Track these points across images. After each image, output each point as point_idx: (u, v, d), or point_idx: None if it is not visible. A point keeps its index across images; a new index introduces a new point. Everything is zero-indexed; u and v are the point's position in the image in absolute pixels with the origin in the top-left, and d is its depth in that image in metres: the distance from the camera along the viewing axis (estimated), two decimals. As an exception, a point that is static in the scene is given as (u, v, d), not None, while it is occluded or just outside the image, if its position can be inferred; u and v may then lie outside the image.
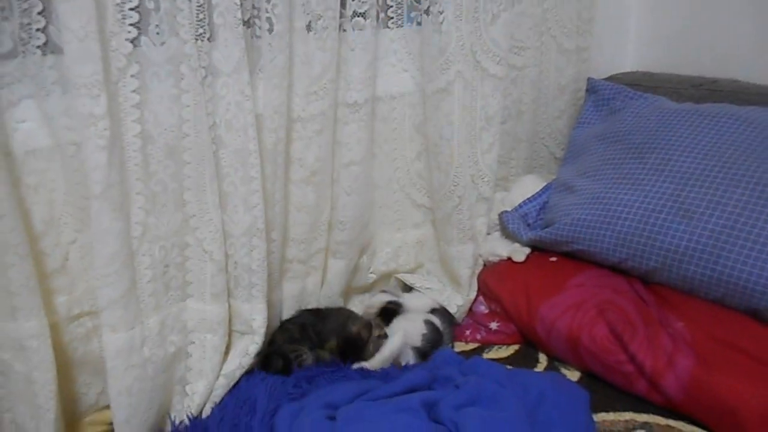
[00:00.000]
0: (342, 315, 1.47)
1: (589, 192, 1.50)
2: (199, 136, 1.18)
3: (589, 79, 1.82)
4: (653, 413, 1.18)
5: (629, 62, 1.99)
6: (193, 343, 1.28)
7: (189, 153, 1.19)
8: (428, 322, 1.47)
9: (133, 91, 1.09)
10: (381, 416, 1.09)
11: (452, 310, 1.57)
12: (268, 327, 1.35)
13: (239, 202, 1.24)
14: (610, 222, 1.41)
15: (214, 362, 1.28)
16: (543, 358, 1.42)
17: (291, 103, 1.32)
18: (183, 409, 1.26)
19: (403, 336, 1.41)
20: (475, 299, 1.62)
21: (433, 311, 1.55)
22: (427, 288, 1.65)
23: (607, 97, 1.73)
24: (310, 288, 1.52)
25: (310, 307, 1.53)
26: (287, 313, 1.50)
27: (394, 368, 1.36)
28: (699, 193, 1.31)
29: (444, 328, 1.50)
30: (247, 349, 1.30)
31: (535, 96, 1.81)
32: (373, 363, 1.36)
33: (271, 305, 1.40)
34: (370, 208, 1.59)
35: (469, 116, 1.56)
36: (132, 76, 1.09)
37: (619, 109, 1.67)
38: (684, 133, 1.44)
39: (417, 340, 1.43)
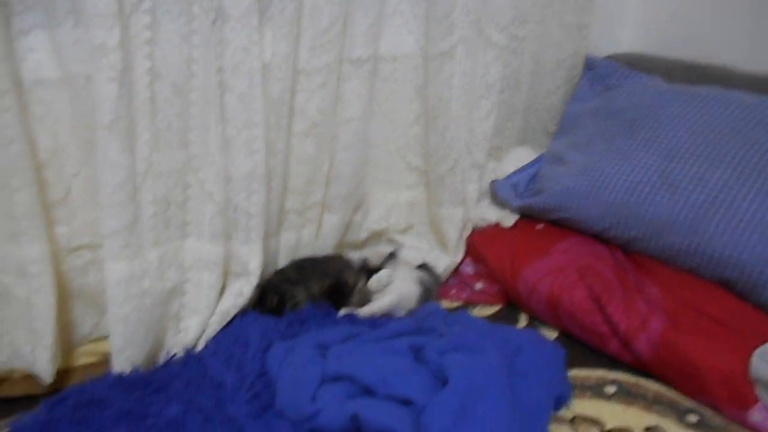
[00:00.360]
0: (339, 261, 1.51)
1: (579, 163, 1.55)
2: (207, 78, 1.21)
3: (587, 56, 1.85)
4: (624, 371, 1.24)
5: (626, 43, 2.03)
6: (190, 280, 1.32)
7: (196, 93, 1.22)
8: (421, 283, 1.51)
9: (145, 26, 1.12)
10: (371, 355, 1.15)
11: (439, 270, 1.62)
12: (263, 272, 1.40)
13: (241, 146, 1.28)
14: (597, 192, 1.46)
15: (210, 300, 1.32)
16: (523, 318, 1.47)
17: (297, 56, 1.35)
18: (176, 344, 1.31)
19: (397, 296, 1.45)
20: (462, 261, 1.67)
21: (422, 267, 1.59)
22: (416, 248, 1.69)
23: (604, 74, 1.77)
24: (305, 239, 1.56)
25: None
26: (283, 262, 1.55)
27: (382, 318, 1.41)
28: (684, 168, 1.36)
29: (432, 285, 1.55)
30: (242, 290, 1.34)
31: (533, 68, 1.83)
32: (363, 311, 1.41)
33: (267, 252, 1.44)
34: (365, 165, 1.62)
35: (469, 83, 1.59)
36: (145, 11, 1.11)
37: (614, 86, 1.71)
38: (674, 111, 1.48)
39: (412, 302, 1.48)
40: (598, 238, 1.50)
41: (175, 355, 1.26)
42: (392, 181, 1.71)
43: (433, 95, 1.55)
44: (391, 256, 1.58)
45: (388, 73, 1.59)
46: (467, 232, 1.71)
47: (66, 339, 1.29)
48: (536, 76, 1.86)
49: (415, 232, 1.77)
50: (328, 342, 1.22)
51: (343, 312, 1.40)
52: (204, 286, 1.32)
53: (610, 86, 1.72)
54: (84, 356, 1.32)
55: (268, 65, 1.28)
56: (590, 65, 1.82)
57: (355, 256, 1.62)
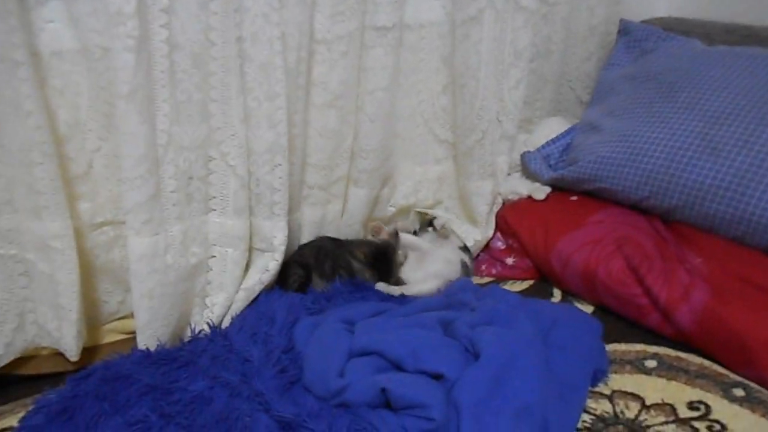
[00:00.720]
0: (362, 240, 1.48)
1: (616, 130, 1.49)
2: (227, 47, 1.18)
3: (621, 20, 1.78)
4: (664, 345, 1.18)
5: (662, 8, 1.94)
6: (214, 256, 1.30)
7: (215, 63, 1.19)
8: (464, 264, 1.46)
9: (162, -7, 1.08)
10: (398, 328, 1.11)
11: (469, 244, 1.58)
12: (287, 247, 1.37)
13: (263, 118, 1.24)
14: (635, 159, 1.39)
15: (235, 276, 1.29)
16: (557, 293, 1.42)
17: (315, 22, 1.30)
18: (202, 320, 1.29)
19: (441, 282, 1.41)
20: (493, 236, 1.62)
21: (464, 248, 1.54)
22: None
23: (640, 38, 1.69)
24: (331, 216, 1.52)
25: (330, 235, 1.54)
26: (306, 239, 1.51)
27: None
28: (728, 132, 1.29)
29: (471, 265, 1.51)
30: (267, 265, 1.31)
31: (564, 35, 1.77)
32: (402, 290, 1.37)
33: (290, 228, 1.41)
34: (392, 138, 1.58)
35: (498, 49, 1.53)
36: (161, -23, 1.08)
37: (651, 50, 1.63)
38: (716, 73, 1.41)
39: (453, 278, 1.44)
40: (636, 208, 1.43)
41: (201, 331, 1.24)
42: (420, 154, 1.66)
43: (460, 63, 1.50)
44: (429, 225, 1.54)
45: (414, 42, 1.53)
46: (497, 206, 1.66)
47: (92, 317, 1.28)
48: (568, 43, 1.80)
49: (444, 206, 1.72)
50: (355, 317, 1.18)
51: (381, 286, 1.36)
52: (229, 262, 1.29)
53: (647, 50, 1.65)
54: (110, 334, 1.31)
55: (283, 34, 1.23)
56: (625, 30, 1.74)
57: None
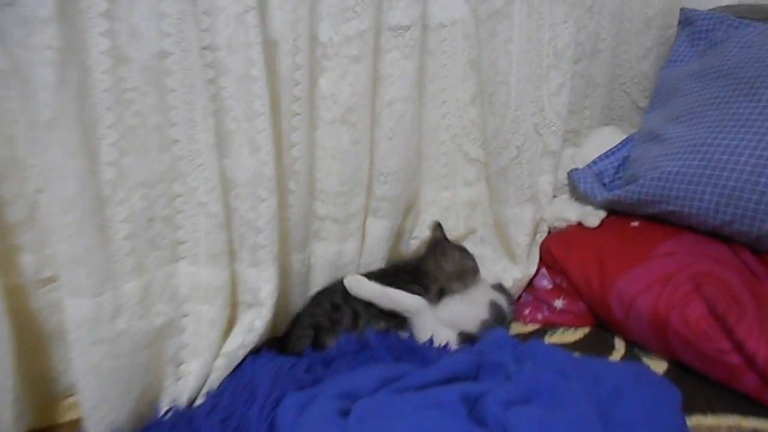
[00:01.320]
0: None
1: (684, 139, 1.20)
2: (187, 56, 0.95)
3: (682, 9, 1.49)
4: (765, 416, 0.92)
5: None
6: (187, 315, 1.07)
7: (174, 78, 0.97)
8: (493, 305, 1.21)
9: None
10: (406, 412, 0.85)
11: (507, 284, 1.31)
12: (284, 298, 1.13)
13: (243, 143, 1.02)
14: (711, 174, 1.11)
15: (211, 338, 1.06)
16: (620, 345, 1.15)
17: (317, 23, 1.10)
18: (176, 393, 1.05)
19: (452, 333, 1.17)
20: (537, 272, 1.35)
21: (498, 288, 1.28)
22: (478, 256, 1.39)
23: (706, 28, 1.40)
24: (349, 254, 1.29)
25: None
26: (318, 283, 1.28)
27: (433, 352, 1.11)
28: (836, 134, 0.99)
29: (509, 309, 1.24)
30: (252, 324, 1.07)
31: (615, 30, 1.50)
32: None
33: (294, 271, 1.18)
34: (416, 157, 1.34)
35: (534, 49, 1.30)
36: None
37: (722, 40, 1.34)
38: (810, 62, 1.11)
39: (473, 326, 1.18)
40: (716, 235, 1.15)
41: (168, 412, 1.00)
42: (447, 176, 1.43)
43: (488, 65, 1.25)
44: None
45: (435, 45, 1.31)
46: (541, 236, 1.41)
47: (43, 392, 1.06)
48: (619, 39, 1.55)
49: (478, 237, 1.46)
50: (356, 390, 0.93)
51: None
52: (204, 321, 1.06)
53: (716, 41, 1.36)
54: (71, 410, 1.08)
55: (267, 39, 1.01)
56: (688, 20, 1.46)
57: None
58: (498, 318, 1.19)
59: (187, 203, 1.03)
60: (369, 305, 1.17)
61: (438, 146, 1.39)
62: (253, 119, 1.00)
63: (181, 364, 1.06)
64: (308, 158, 1.15)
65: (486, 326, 1.17)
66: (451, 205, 1.43)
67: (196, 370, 1.04)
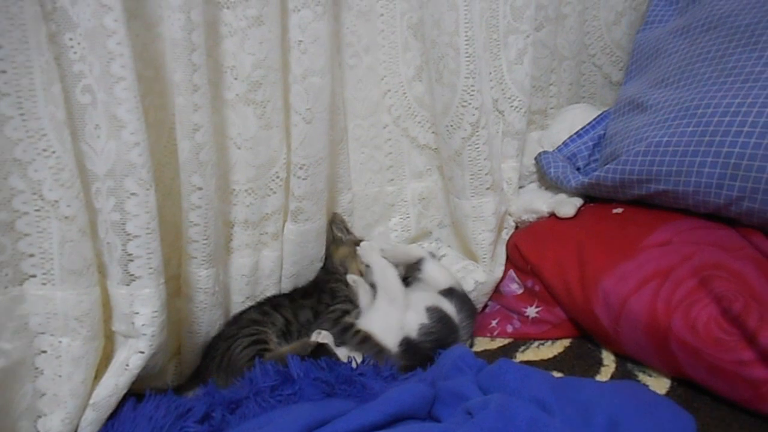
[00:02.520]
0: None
1: (673, 103, 0.99)
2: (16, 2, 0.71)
3: (656, -36, 1.29)
4: None
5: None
6: (44, 351, 0.80)
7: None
8: (432, 310, 0.99)
9: None
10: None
11: (468, 289, 1.07)
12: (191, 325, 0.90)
13: (102, 120, 0.77)
14: (711, 141, 0.89)
15: (75, 382, 0.80)
16: (609, 359, 0.94)
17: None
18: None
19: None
20: (504, 276, 1.12)
21: (447, 292, 1.05)
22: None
23: (685, -18, 1.20)
24: (267, 266, 1.06)
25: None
26: (236, 305, 1.05)
27: (377, 381, 0.86)
28: None
29: (461, 317, 1.00)
30: (127, 361, 0.82)
31: (582, -8, 1.30)
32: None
33: (195, 291, 0.94)
34: (343, 145, 1.11)
35: (489, 9, 1.09)
36: None
37: (707, -8, 1.14)
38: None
39: (412, 330, 0.96)
40: (720, 217, 0.93)
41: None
42: (392, 167, 1.21)
43: (432, 25, 1.02)
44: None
45: (367, 4, 1.10)
46: (508, 233, 1.19)
47: None
48: (587, 2, 1.34)
49: (433, 239, 1.22)
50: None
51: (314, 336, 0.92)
52: (65, 360, 0.80)
53: (701, -6, 1.15)
54: None
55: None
56: (664, -24, 1.25)
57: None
58: (444, 326, 0.96)
59: (31, 202, 0.77)
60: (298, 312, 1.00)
61: (379, 131, 1.17)
62: (111, 87, 0.75)
63: (39, 417, 0.80)
64: (213, 147, 0.91)
65: (429, 334, 0.95)
66: (396, 201, 1.21)
67: (56, 425, 0.79)
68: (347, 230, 1.15)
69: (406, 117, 1.17)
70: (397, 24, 1.12)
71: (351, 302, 1.04)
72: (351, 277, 1.06)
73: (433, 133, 1.17)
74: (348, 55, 1.10)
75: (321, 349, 0.91)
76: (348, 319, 0.99)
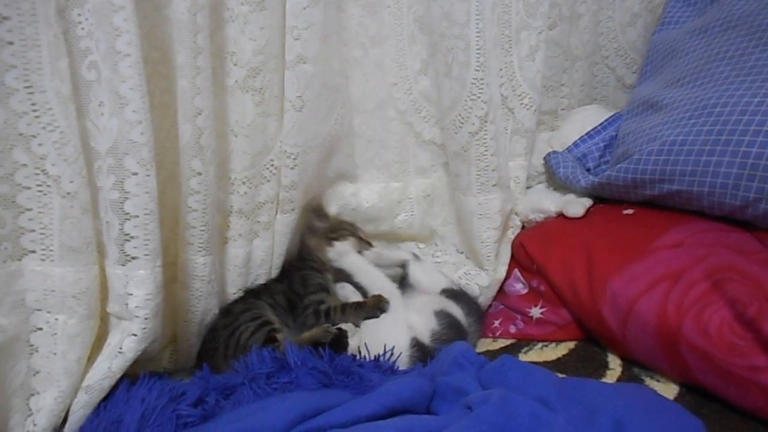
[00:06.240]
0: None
1: (690, 101, 0.96)
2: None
3: (674, -34, 1.26)
4: None
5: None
6: (39, 329, 0.79)
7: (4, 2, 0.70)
8: (442, 314, 0.96)
9: None
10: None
11: (473, 291, 1.05)
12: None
13: (106, 97, 0.75)
14: (728, 140, 0.87)
15: (69, 361, 0.78)
16: (615, 363, 0.92)
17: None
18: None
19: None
20: (508, 275, 1.10)
21: (449, 293, 1.03)
22: (438, 261, 1.15)
23: (705, -16, 1.18)
24: (259, 256, 1.04)
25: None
26: (232, 292, 1.03)
27: (375, 373, 0.84)
28: None
29: (469, 321, 0.99)
30: (121, 343, 0.80)
31: (597, -8, 1.28)
32: None
33: (192, 278, 0.92)
34: (346, 138, 1.10)
35: (501, 1, 1.09)
36: None
37: (725, -7, 1.11)
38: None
39: (425, 336, 0.93)
40: (734, 220, 0.91)
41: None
42: (396, 163, 1.19)
43: (440, 17, 1.00)
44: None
45: None
46: (514, 232, 1.16)
47: None
48: (602, 3, 1.31)
49: (439, 237, 1.20)
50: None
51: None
52: (61, 338, 0.78)
53: (718, -5, 1.13)
54: None
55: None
56: (681, -23, 1.23)
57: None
58: (454, 331, 0.93)
59: (33, 176, 0.76)
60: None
61: (385, 125, 1.15)
62: (116, 63, 0.74)
63: (32, 395, 0.78)
64: (212, 132, 0.89)
65: (441, 341, 0.91)
66: (402, 198, 1.19)
67: (49, 404, 0.77)
68: (326, 217, 1.12)
69: (412, 112, 1.15)
70: (404, 16, 1.10)
71: (325, 290, 1.02)
72: (340, 285, 1.05)
73: (438, 128, 1.15)
74: (354, 46, 1.09)
75: (341, 337, 0.89)
76: (324, 306, 0.98)
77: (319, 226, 1.10)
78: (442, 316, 0.96)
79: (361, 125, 1.13)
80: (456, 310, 0.98)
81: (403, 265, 1.08)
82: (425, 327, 0.94)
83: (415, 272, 1.06)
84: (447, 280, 1.06)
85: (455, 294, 1.03)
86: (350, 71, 1.09)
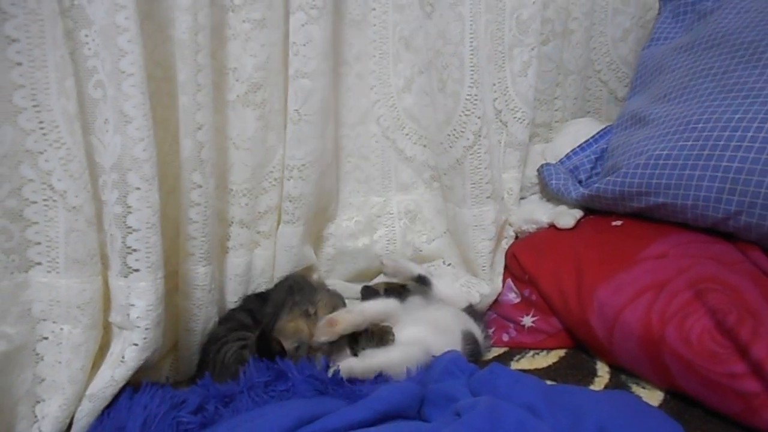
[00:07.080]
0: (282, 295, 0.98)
1: (674, 117, 0.99)
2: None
3: (663, -18, 1.30)
4: None
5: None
6: (45, 338, 0.82)
7: (14, 24, 0.74)
8: (467, 336, 0.96)
9: None
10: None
11: (474, 302, 1.08)
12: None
13: (110, 114, 0.78)
14: (710, 156, 0.90)
15: (74, 369, 0.81)
16: (603, 370, 0.93)
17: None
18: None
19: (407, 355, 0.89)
20: (502, 285, 1.12)
21: (469, 311, 1.04)
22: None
23: (691, 0, 1.21)
24: (259, 265, 1.08)
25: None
26: (232, 301, 1.06)
27: (367, 384, 0.86)
28: None
29: (484, 339, 1.00)
30: (123, 353, 0.82)
31: (588, 7, 1.31)
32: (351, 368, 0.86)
33: (193, 288, 0.95)
34: (333, 149, 1.13)
35: (494, 21, 1.10)
36: None
37: (712, 10, 1.14)
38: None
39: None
40: (718, 231, 0.94)
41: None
42: (379, 178, 1.22)
43: (435, 36, 1.04)
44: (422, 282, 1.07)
45: (359, 13, 1.13)
46: (507, 243, 1.18)
47: None
48: (594, 18, 1.36)
49: (423, 257, 1.23)
50: (257, 437, 0.69)
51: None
52: (65, 347, 0.81)
53: (706, 12, 1.15)
54: None
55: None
56: (671, -5, 1.26)
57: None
58: (474, 350, 0.95)
59: (40, 191, 0.79)
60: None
61: (367, 141, 1.19)
62: (120, 83, 0.77)
63: (38, 402, 0.81)
64: (214, 146, 0.93)
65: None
66: (381, 213, 1.22)
67: (54, 411, 0.80)
68: (312, 301, 0.95)
69: (395, 128, 1.18)
70: (389, 35, 1.14)
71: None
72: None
73: (421, 146, 1.18)
74: (338, 62, 1.12)
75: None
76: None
77: (306, 309, 0.94)
78: (467, 336, 0.96)
79: (342, 138, 1.16)
80: (475, 328, 0.99)
81: (420, 280, 1.07)
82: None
83: (442, 287, 1.06)
84: (467, 295, 1.08)
85: (473, 311, 1.05)
86: (335, 85, 1.12)
